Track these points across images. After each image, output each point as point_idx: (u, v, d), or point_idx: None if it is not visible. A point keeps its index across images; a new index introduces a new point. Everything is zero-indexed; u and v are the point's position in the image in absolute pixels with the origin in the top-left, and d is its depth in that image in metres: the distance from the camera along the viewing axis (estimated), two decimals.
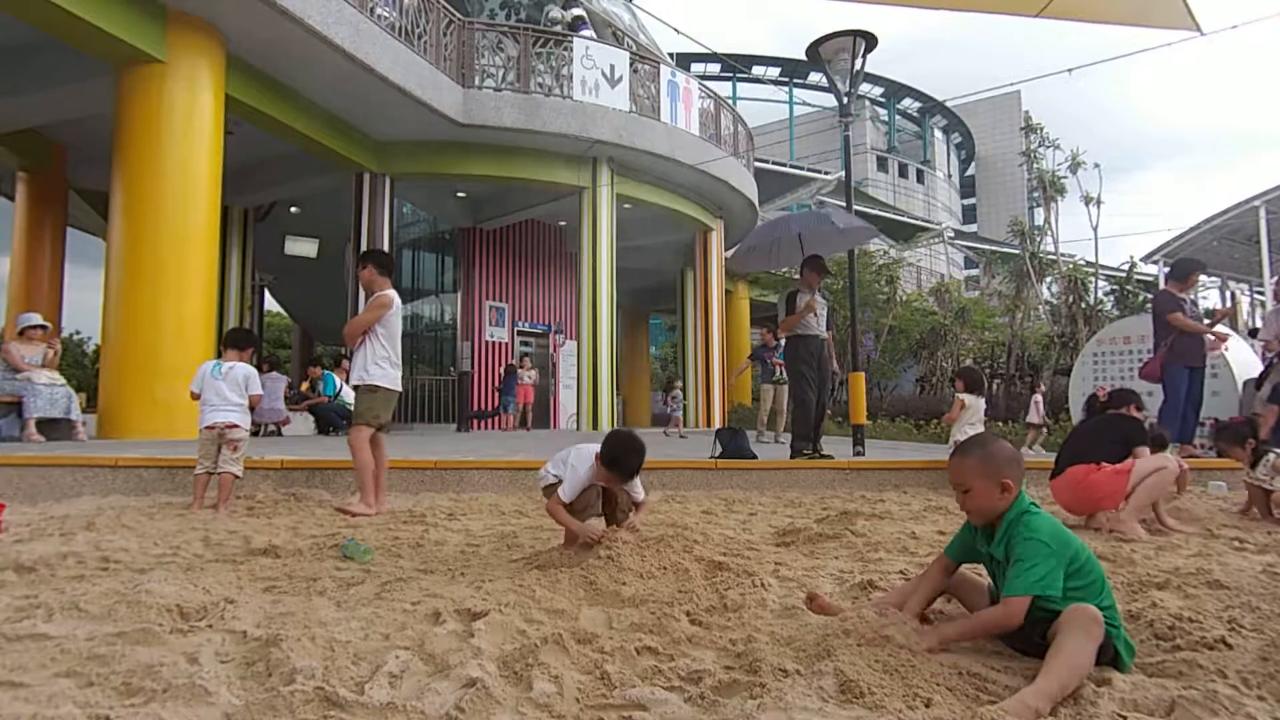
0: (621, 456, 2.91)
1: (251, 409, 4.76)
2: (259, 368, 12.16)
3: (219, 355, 5.84)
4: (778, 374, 10.42)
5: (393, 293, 4.66)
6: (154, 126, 8.59)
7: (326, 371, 11.82)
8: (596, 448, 3.00)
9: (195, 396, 4.68)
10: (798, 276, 6.91)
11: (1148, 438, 4.06)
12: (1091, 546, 2.10)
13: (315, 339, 22.31)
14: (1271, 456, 4.26)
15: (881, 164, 51.02)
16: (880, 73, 49.05)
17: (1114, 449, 3.92)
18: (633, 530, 2.95)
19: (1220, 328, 7.10)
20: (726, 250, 19.21)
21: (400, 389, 4.69)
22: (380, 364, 4.57)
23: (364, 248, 12.00)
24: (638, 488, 3.10)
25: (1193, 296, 6.98)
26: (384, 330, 4.58)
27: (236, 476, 4.58)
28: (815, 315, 6.56)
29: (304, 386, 12.56)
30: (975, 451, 1.99)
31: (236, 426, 4.60)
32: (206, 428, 4.58)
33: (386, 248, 12.66)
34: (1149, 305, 9.18)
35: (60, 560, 2.94)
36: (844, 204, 7.62)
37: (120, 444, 7.13)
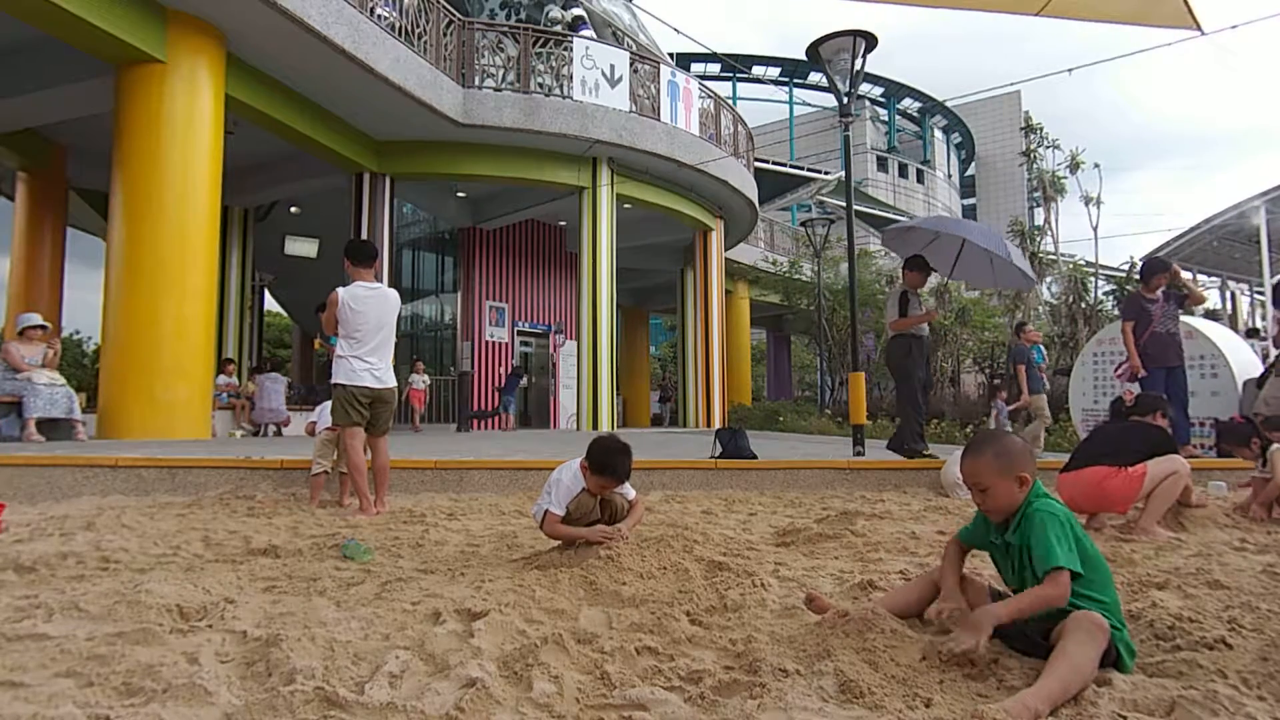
0: (612, 461, 2.89)
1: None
2: (259, 369, 12.15)
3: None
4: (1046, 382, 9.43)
5: (344, 289, 4.60)
6: (154, 126, 8.59)
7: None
8: (576, 460, 2.99)
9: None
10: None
11: (1177, 449, 4.00)
12: None
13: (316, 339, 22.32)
14: (1275, 448, 4.22)
15: (881, 164, 50.98)
16: (879, 69, 49.01)
17: (1138, 458, 3.81)
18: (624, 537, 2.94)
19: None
20: (727, 250, 19.24)
21: (375, 384, 4.58)
22: (341, 360, 4.58)
23: None
24: (627, 488, 3.11)
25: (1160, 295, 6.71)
26: (344, 328, 4.59)
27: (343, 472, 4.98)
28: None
29: (316, 343, 12.31)
30: (988, 450, 1.96)
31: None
32: (327, 429, 4.92)
33: (386, 248, 12.66)
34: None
35: (60, 560, 2.95)
36: (844, 204, 7.60)
37: (120, 444, 7.13)
